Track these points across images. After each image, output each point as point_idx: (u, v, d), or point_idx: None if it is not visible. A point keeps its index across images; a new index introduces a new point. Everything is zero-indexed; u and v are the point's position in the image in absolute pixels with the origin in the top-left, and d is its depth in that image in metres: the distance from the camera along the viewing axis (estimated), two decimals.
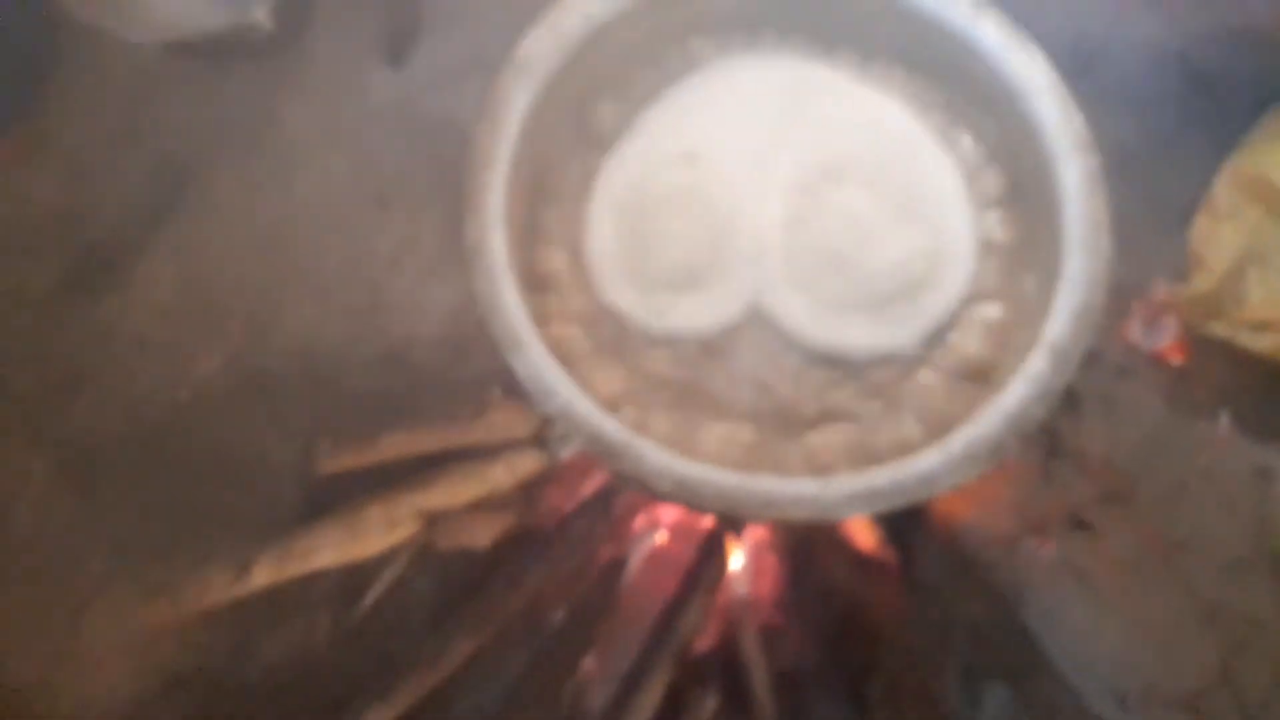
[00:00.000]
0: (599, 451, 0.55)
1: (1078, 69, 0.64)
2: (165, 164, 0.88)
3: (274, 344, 0.84)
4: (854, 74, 0.69)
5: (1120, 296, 0.85)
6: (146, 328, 0.85)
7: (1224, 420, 0.83)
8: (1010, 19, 0.65)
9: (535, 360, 0.56)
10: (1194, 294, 0.80)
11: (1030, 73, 0.64)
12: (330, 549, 0.74)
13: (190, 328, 0.85)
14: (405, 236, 0.87)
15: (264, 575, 0.73)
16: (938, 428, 0.58)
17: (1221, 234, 0.80)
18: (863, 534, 0.79)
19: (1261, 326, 0.77)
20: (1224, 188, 0.81)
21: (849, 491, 0.54)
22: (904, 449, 0.57)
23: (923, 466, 0.55)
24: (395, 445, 0.78)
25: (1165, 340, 0.84)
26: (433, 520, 0.76)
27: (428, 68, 0.92)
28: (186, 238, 0.88)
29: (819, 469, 0.58)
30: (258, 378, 0.83)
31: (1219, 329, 0.79)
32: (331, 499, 0.76)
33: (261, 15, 0.87)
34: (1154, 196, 0.86)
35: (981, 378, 0.61)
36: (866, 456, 0.59)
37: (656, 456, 0.55)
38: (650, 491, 0.56)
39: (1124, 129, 0.84)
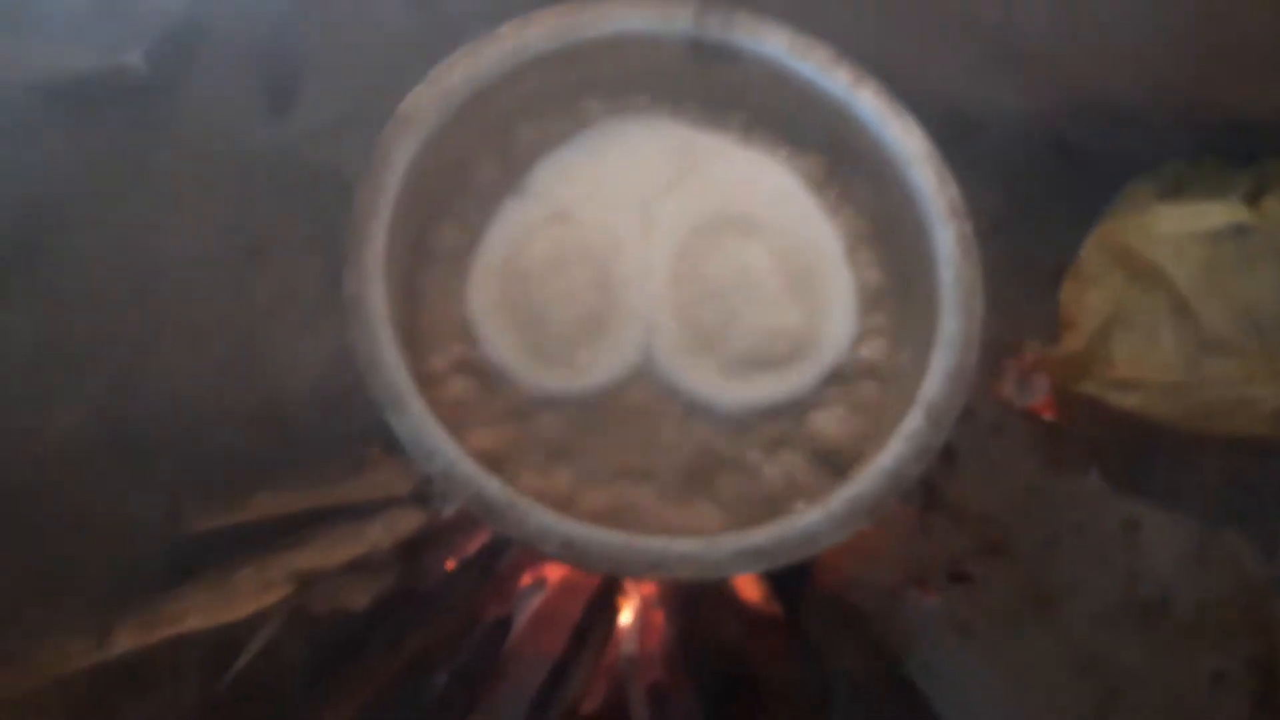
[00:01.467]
0: (482, 512, 0.54)
1: (952, 138, 0.66)
2: (27, 211, 0.84)
3: (140, 397, 0.79)
4: (739, 140, 0.70)
5: (994, 356, 0.89)
6: (2, 381, 0.80)
7: (1093, 475, 0.86)
8: (887, 89, 0.67)
9: (415, 419, 0.55)
10: (1064, 354, 0.83)
11: (907, 141, 0.66)
12: (198, 612, 0.71)
13: (50, 381, 0.81)
14: (282, 288, 0.84)
15: (126, 641, 0.70)
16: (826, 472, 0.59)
17: (1089, 297, 0.83)
18: (750, 588, 0.79)
19: (1127, 385, 0.80)
20: (1090, 253, 0.84)
21: (733, 550, 0.54)
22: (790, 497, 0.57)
23: (805, 525, 0.55)
24: (267, 503, 0.75)
25: (1037, 398, 0.87)
26: (307, 581, 0.73)
27: (308, 117, 0.89)
28: (47, 287, 0.83)
29: (705, 526, 0.58)
30: (122, 433, 0.79)
31: (1088, 387, 0.82)
32: (199, 560, 0.73)
33: (135, 59, 0.84)
34: (1024, 261, 0.89)
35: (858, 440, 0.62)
36: (753, 509, 0.58)
37: (541, 517, 0.54)
38: (536, 552, 0.54)
39: (995, 197, 0.87)
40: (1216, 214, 0.79)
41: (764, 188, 0.68)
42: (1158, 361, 0.79)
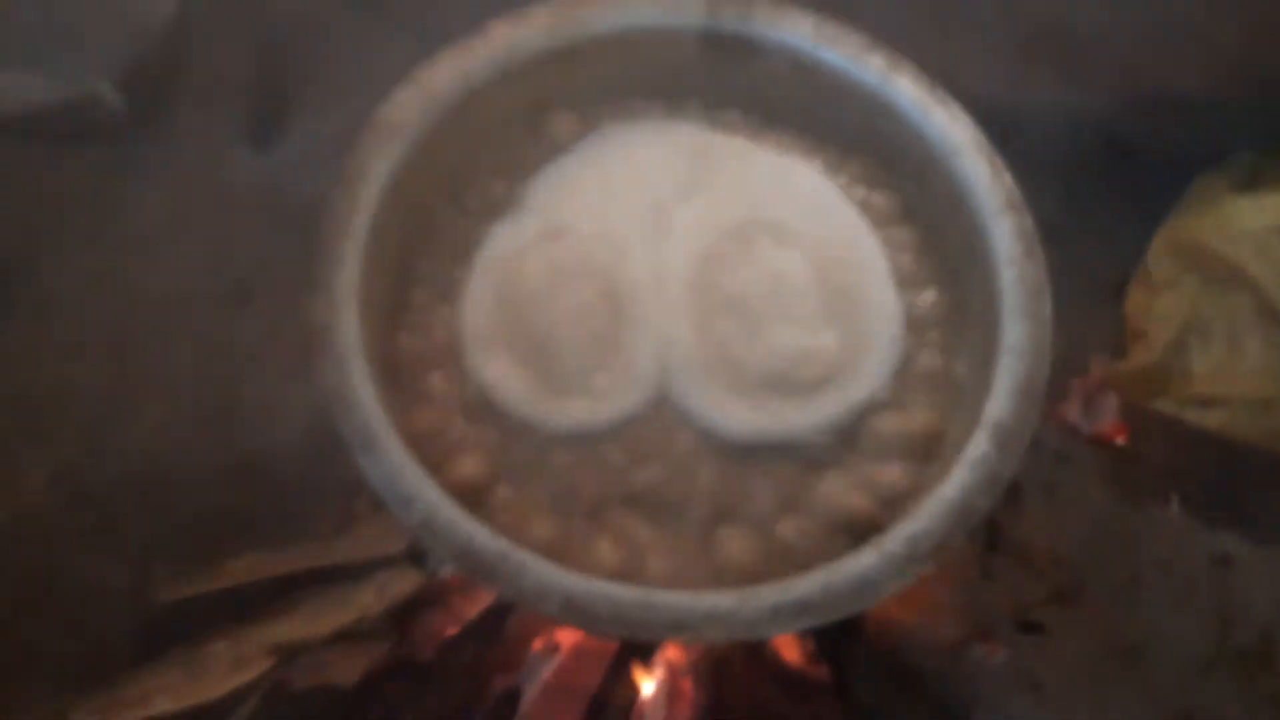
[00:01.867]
0: (470, 568, 0.46)
1: (993, 140, 0.60)
2: None
3: (110, 455, 0.75)
4: (763, 142, 0.63)
5: (1056, 376, 0.80)
6: None
7: (1175, 505, 0.77)
8: (927, 75, 0.60)
9: (390, 461, 0.47)
10: (1134, 369, 0.75)
11: (952, 130, 0.58)
12: (166, 694, 0.65)
13: (13, 440, 0.75)
14: (265, 332, 0.79)
15: None
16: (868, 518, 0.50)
17: (1159, 305, 0.75)
18: (790, 648, 0.71)
19: (1208, 401, 0.72)
20: (1158, 256, 0.76)
21: (772, 604, 0.45)
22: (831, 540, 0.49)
23: (858, 570, 0.47)
24: (245, 568, 0.70)
25: (1106, 421, 0.78)
26: (289, 655, 0.68)
27: (296, 149, 0.85)
28: (13, 336, 0.77)
29: (734, 578, 0.49)
30: (89, 494, 0.74)
31: (1164, 405, 0.75)
32: (170, 633, 0.68)
33: (105, 91, 0.78)
34: (1082, 271, 0.81)
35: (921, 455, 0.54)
36: (787, 560, 0.50)
37: (539, 571, 0.46)
38: (535, 612, 0.46)
39: (1046, 202, 0.79)
40: None
41: (796, 193, 0.61)
42: (1243, 374, 0.71)
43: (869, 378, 0.56)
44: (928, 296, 0.59)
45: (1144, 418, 0.77)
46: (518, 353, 0.55)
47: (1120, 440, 0.79)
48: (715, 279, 0.57)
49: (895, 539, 0.47)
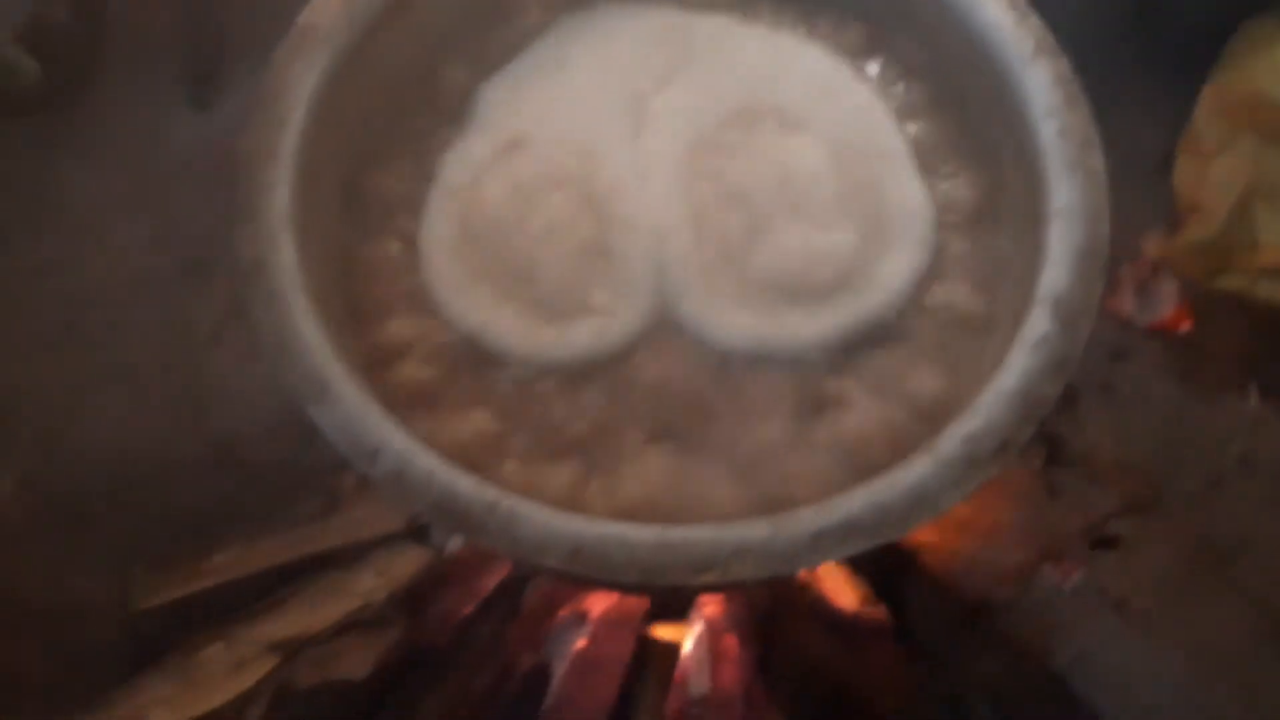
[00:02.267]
0: (455, 524, 0.39)
1: None
2: None
3: (74, 455, 0.70)
4: (741, 15, 0.56)
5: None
6: None
7: (1253, 394, 0.70)
8: None
9: (347, 406, 0.40)
10: (1193, 245, 0.68)
11: None
12: (163, 707, 0.61)
13: None
14: (228, 306, 0.73)
15: None
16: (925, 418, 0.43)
17: (1214, 171, 0.69)
18: (842, 590, 0.66)
19: None
20: (1208, 118, 0.70)
21: (814, 528, 0.38)
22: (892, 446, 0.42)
23: (910, 481, 0.39)
24: (231, 563, 0.66)
25: (1166, 308, 0.72)
26: (292, 652, 0.63)
27: (239, 104, 0.78)
28: None
29: (769, 501, 0.42)
30: (56, 501, 0.69)
31: (1230, 282, 0.68)
32: (160, 642, 0.64)
33: (22, 60, 0.71)
34: (1118, 143, 0.73)
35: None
36: (834, 471, 0.43)
37: (537, 518, 0.38)
38: (538, 569, 0.39)
39: None
40: None
41: (798, 73, 0.54)
42: None
43: (887, 285, 0.49)
44: (951, 171, 0.52)
45: (1210, 300, 0.69)
46: (500, 288, 0.48)
47: (1184, 328, 0.72)
48: (710, 170, 0.49)
49: (951, 439, 0.40)
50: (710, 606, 0.64)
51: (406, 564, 0.65)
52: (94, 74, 0.78)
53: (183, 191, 0.76)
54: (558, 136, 0.51)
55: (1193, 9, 0.75)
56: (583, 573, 0.39)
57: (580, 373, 0.47)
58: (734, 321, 0.47)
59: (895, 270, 0.49)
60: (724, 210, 0.48)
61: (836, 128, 0.52)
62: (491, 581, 0.65)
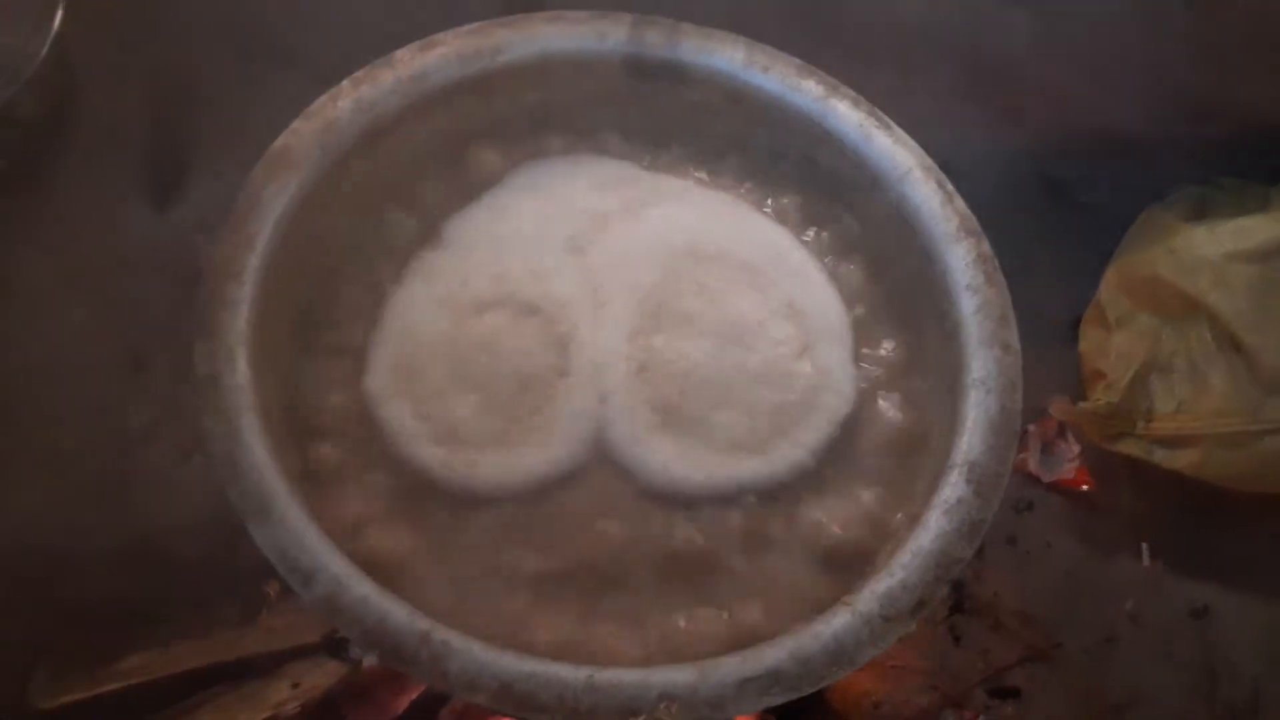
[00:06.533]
0: (386, 653, 0.40)
1: None
2: None
3: None
4: (693, 179, 0.59)
5: None
6: None
7: (1146, 555, 0.73)
8: (865, 100, 0.57)
9: (287, 528, 0.41)
10: (1095, 410, 0.71)
11: (898, 154, 0.56)
12: None
13: None
14: (164, 403, 0.72)
15: None
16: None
17: (1115, 343, 0.72)
18: None
19: (1175, 441, 0.68)
20: (1110, 293, 0.74)
21: (739, 677, 0.40)
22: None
23: (830, 633, 0.41)
24: (141, 666, 0.63)
25: (1069, 467, 0.75)
26: None
27: (195, 209, 0.79)
28: None
29: (691, 649, 0.43)
30: None
31: (1128, 447, 0.71)
32: None
33: None
34: (1028, 311, 0.78)
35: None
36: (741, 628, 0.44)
37: (468, 652, 0.39)
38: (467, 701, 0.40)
39: None
40: (1261, 230, 0.68)
41: (734, 227, 0.57)
42: (1208, 409, 0.68)
43: (834, 401, 0.51)
44: (877, 336, 0.55)
45: (1108, 462, 0.73)
46: (434, 408, 0.49)
47: (1085, 487, 0.75)
48: (659, 330, 0.51)
49: (869, 597, 0.42)
50: None
51: (320, 677, 0.62)
52: (56, 164, 0.77)
53: (130, 285, 0.74)
54: (530, 287, 0.52)
55: (1097, 198, 0.82)
56: (509, 712, 0.40)
57: (507, 500, 0.48)
58: (692, 464, 0.48)
59: (836, 363, 0.52)
60: (670, 372, 0.50)
61: (754, 259, 0.55)
62: (405, 700, 0.63)
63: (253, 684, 0.62)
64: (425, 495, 0.48)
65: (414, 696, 0.64)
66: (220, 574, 0.65)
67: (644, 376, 0.50)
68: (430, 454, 0.48)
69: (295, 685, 0.63)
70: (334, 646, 0.64)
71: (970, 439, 0.47)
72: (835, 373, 0.52)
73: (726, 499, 0.48)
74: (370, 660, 0.64)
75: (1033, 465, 0.76)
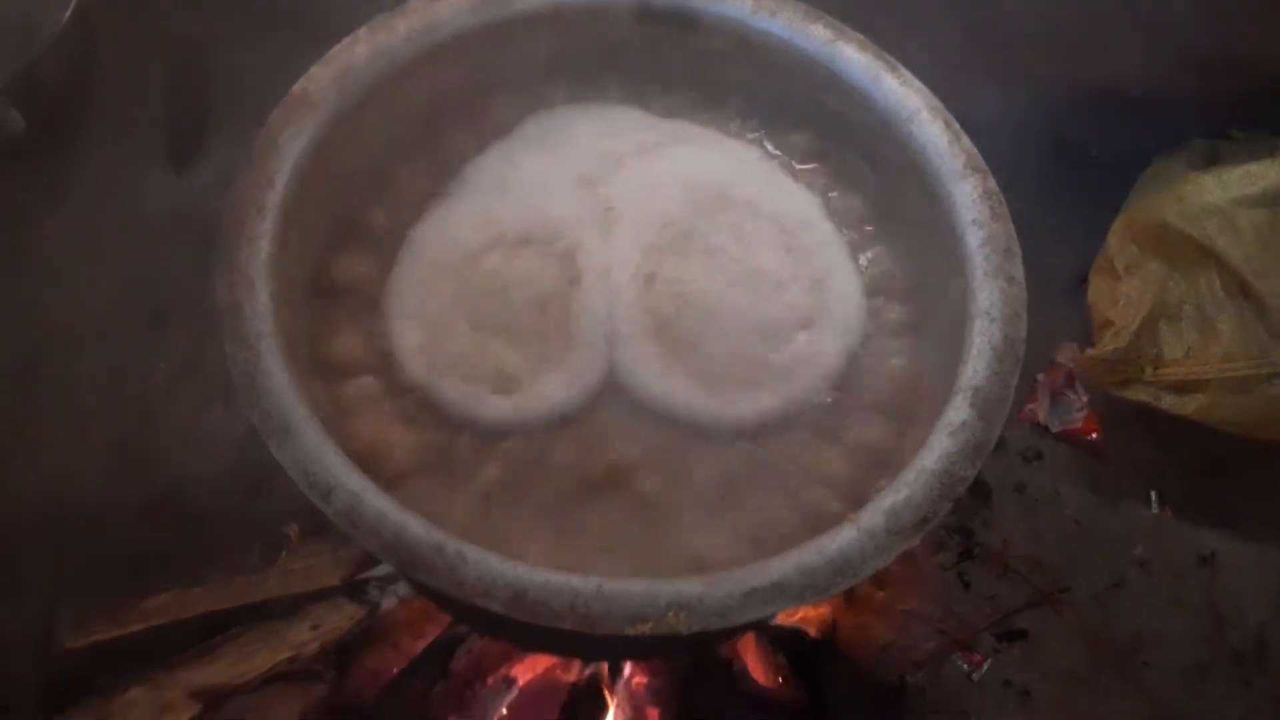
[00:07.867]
0: (403, 561, 0.41)
1: None
2: None
3: (10, 491, 0.67)
4: (699, 123, 0.60)
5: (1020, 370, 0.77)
6: None
7: (1154, 502, 0.73)
8: (873, 42, 0.57)
9: (306, 446, 0.42)
10: (1104, 357, 0.72)
11: (905, 96, 0.56)
12: None
13: None
14: (185, 358, 0.74)
15: None
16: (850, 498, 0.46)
17: (1124, 290, 0.73)
18: (762, 666, 0.66)
19: (1184, 387, 0.69)
20: (1118, 241, 0.74)
21: (745, 588, 0.41)
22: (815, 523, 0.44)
23: (837, 547, 0.42)
24: (164, 608, 0.65)
25: (1077, 417, 0.75)
26: (216, 700, 0.63)
27: (216, 172, 0.80)
28: None
29: (704, 565, 0.44)
30: None
31: (1136, 394, 0.71)
32: (81, 683, 0.62)
33: (9, 113, 0.72)
34: (1038, 265, 0.78)
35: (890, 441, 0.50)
36: (759, 541, 0.46)
37: (483, 561, 0.40)
38: (480, 616, 0.41)
39: None
40: (1270, 175, 0.68)
41: (737, 168, 0.58)
42: (1217, 354, 0.68)
43: (841, 328, 0.53)
44: (882, 265, 0.56)
45: (1116, 410, 0.73)
46: (454, 346, 0.51)
47: (1093, 436, 0.75)
48: (666, 271, 0.52)
49: (874, 512, 0.43)
50: (636, 678, 0.66)
51: (340, 619, 0.64)
52: (79, 129, 0.79)
53: (151, 247, 0.75)
54: (542, 230, 0.53)
55: (1106, 156, 0.82)
56: (523, 618, 0.41)
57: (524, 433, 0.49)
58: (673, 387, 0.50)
59: (831, 352, 0.53)
60: (678, 305, 0.51)
61: (785, 218, 0.56)
62: (422, 643, 0.65)
63: (273, 625, 0.64)
64: (442, 425, 0.49)
65: (431, 640, 0.66)
66: (241, 522, 0.67)
67: (650, 287, 0.52)
68: (449, 389, 0.49)
69: (315, 627, 0.64)
70: (353, 590, 0.65)
71: (975, 365, 0.47)
72: (826, 359, 0.52)
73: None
74: (388, 603, 0.66)
75: (1041, 415, 0.76)
